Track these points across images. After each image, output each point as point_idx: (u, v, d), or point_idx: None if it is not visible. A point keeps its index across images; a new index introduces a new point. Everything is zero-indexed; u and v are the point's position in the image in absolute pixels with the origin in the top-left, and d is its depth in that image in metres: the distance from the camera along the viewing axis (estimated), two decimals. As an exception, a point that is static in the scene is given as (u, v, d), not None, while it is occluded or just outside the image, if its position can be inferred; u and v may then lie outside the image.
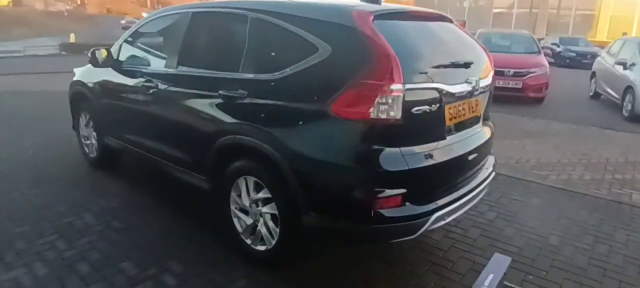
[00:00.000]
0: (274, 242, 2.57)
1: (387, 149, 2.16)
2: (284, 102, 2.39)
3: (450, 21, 2.94)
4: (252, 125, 2.52)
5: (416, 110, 2.20)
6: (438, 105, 2.32)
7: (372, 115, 2.10)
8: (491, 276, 2.72)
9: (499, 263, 2.89)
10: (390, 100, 2.09)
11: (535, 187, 4.32)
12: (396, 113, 2.11)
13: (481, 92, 2.70)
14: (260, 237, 2.65)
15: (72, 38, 23.73)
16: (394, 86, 2.08)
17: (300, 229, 2.41)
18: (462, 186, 2.59)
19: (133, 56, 3.75)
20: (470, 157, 2.63)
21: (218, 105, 2.74)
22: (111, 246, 2.91)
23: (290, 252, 2.59)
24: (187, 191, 3.20)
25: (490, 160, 3.02)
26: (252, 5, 2.69)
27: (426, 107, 2.25)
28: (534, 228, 3.38)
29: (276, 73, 2.43)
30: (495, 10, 37.35)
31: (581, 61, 18.14)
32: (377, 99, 2.08)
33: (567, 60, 19.22)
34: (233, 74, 2.67)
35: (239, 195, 2.73)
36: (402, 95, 2.10)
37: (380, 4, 2.61)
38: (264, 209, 2.58)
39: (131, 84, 3.57)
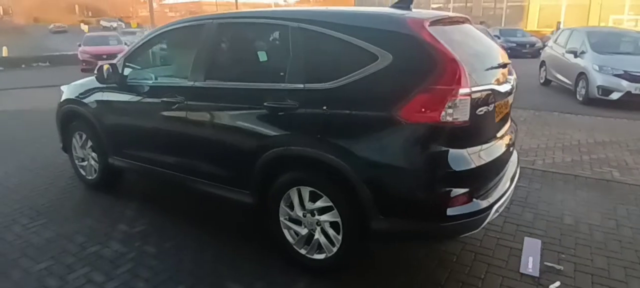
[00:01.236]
0: (335, 249, 2.59)
1: (455, 150, 2.27)
2: (344, 111, 2.42)
3: (470, 22, 3.11)
4: (308, 135, 2.52)
5: (478, 112, 2.32)
6: (493, 105, 2.46)
7: (443, 119, 2.19)
8: (531, 258, 2.93)
9: (532, 246, 3.12)
10: (459, 104, 2.19)
11: (530, 172, 4.64)
12: (464, 115, 2.22)
13: (513, 89, 2.88)
14: (317, 246, 2.66)
15: (4, 51, 21.76)
16: (462, 90, 2.19)
17: (365, 234, 2.46)
18: (505, 178, 2.75)
19: (145, 71, 3.58)
20: (509, 151, 2.81)
21: (263, 118, 2.71)
22: (156, 273, 2.78)
23: (353, 257, 2.62)
24: (210, 206, 3.12)
25: (515, 153, 3.24)
26: (294, 15, 2.69)
27: (485, 108, 2.38)
28: (548, 211, 3.65)
29: (331, 82, 2.45)
30: (433, 6, 39.17)
31: (521, 51, 19.46)
32: (447, 103, 2.18)
33: (508, 51, 20.41)
34: (279, 85, 2.65)
35: (288, 206, 2.72)
36: (469, 98, 2.21)
37: (410, 10, 2.71)
38: (323, 217, 2.59)
39: (145, 99, 3.42)
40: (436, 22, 2.47)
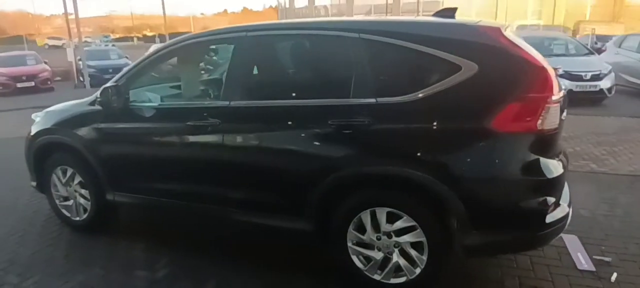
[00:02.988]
0: (418, 271, 2.46)
1: (544, 158, 2.26)
2: (427, 124, 2.31)
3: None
4: (387, 152, 2.37)
5: (562, 118, 2.34)
6: (564, 110, 2.51)
7: (539, 127, 2.17)
8: (580, 254, 3.03)
9: (572, 242, 3.24)
10: (552, 111, 2.19)
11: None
12: (554, 123, 2.22)
13: None
14: (396, 269, 2.51)
15: None
16: (554, 97, 2.19)
17: (455, 251, 2.36)
18: None
19: (155, 91, 3.15)
20: None
21: (325, 137, 2.51)
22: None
23: (439, 276, 2.50)
24: (237, 236, 2.81)
25: None
26: (357, 26, 2.52)
27: (563, 114, 2.41)
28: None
29: (409, 95, 2.33)
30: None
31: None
32: (542, 111, 2.16)
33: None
34: (344, 101, 2.47)
35: (358, 230, 2.54)
36: (559, 105, 2.22)
37: (454, 18, 2.70)
38: (404, 238, 2.44)
39: (161, 125, 3.02)
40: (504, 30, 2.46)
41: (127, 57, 16.75)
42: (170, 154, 3.03)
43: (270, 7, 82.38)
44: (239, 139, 2.77)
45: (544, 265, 2.92)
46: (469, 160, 2.26)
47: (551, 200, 2.26)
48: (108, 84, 3.03)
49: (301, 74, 2.83)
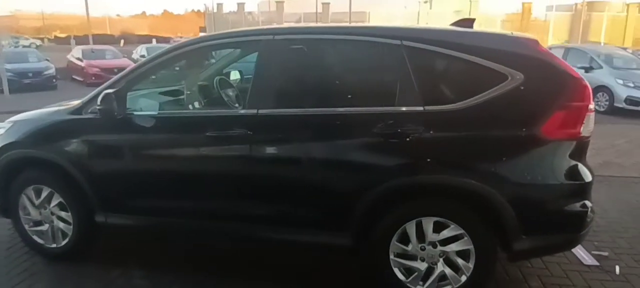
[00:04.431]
0: (464, 279, 2.46)
1: (581, 163, 2.40)
2: (476, 132, 2.33)
3: None
4: (437, 161, 2.36)
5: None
6: None
7: (582, 133, 2.30)
8: (580, 251, 3.26)
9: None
10: (590, 118, 2.33)
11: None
12: (590, 129, 2.36)
13: None
14: (441, 279, 2.49)
15: None
16: (591, 105, 2.33)
17: (496, 257, 2.41)
18: None
19: (160, 99, 2.83)
20: None
21: (369, 147, 2.44)
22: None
23: (484, 283, 2.52)
24: (239, 256, 2.64)
25: None
26: (402, 33, 2.47)
27: None
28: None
29: (457, 103, 2.34)
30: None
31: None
32: (584, 118, 2.29)
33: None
34: (389, 109, 2.41)
35: (401, 241, 2.49)
36: (594, 113, 2.37)
37: (472, 28, 2.79)
38: (451, 247, 2.43)
39: (171, 135, 2.74)
40: None
41: (48, 60, 15.10)
42: (183, 168, 2.74)
43: (193, 10, 79.44)
44: (269, 150, 2.58)
45: (555, 263, 3.09)
46: (518, 166, 2.32)
47: (588, 202, 2.40)
48: (109, 91, 2.65)
49: (341, 81, 2.71)
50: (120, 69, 14.98)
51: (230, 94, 3.41)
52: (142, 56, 17.32)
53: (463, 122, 2.34)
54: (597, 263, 3.07)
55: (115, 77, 2.85)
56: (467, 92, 2.35)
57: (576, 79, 2.34)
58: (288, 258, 3.12)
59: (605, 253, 3.21)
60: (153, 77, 3.03)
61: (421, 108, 2.37)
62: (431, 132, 2.35)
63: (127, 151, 2.81)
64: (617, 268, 3.00)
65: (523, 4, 51.06)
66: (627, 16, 36.16)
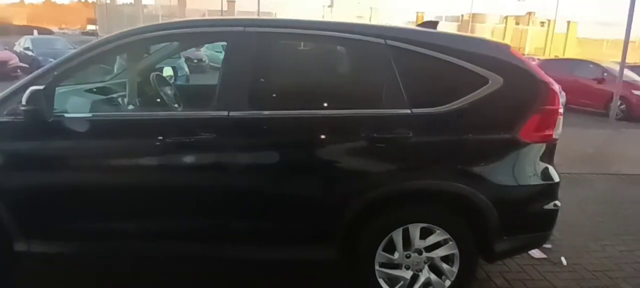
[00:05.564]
0: (448, 284, 2.43)
1: (551, 164, 2.51)
2: (464, 135, 2.32)
3: None
4: (426, 165, 2.30)
5: None
6: None
7: (554, 136, 2.40)
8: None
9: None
10: (560, 121, 2.45)
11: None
12: (559, 132, 2.48)
13: None
14: (425, 285, 2.43)
15: None
16: (561, 109, 2.45)
17: (479, 259, 2.42)
18: None
19: (98, 97, 2.35)
20: None
21: (355, 152, 2.29)
22: None
23: (466, 286, 2.50)
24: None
25: None
26: (386, 32, 2.35)
27: None
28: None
29: (443, 106, 2.30)
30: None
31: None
32: (557, 121, 2.40)
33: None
34: (375, 112, 2.29)
35: (387, 250, 2.38)
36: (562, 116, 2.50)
37: (436, 29, 2.83)
38: (436, 253, 2.38)
39: (113, 142, 2.30)
40: None
41: None
42: (133, 180, 2.31)
43: (80, 0, 71.80)
44: (245, 159, 2.28)
45: (511, 259, 3.24)
46: (501, 169, 2.34)
47: (558, 201, 2.53)
48: (37, 87, 2.10)
49: (324, 81, 2.49)
50: (2, 62, 13.00)
51: (169, 92, 3.00)
52: (27, 49, 15.07)
53: (450, 125, 2.31)
54: (545, 256, 3.29)
55: (38, 71, 2.29)
56: (452, 94, 2.31)
57: (547, 84, 2.43)
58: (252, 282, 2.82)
59: (549, 245, 3.46)
60: (81, 73, 2.52)
61: (408, 111, 2.28)
62: (419, 135, 2.27)
63: (60, 161, 2.29)
64: (564, 260, 3.24)
65: (417, 13, 55.26)
66: (505, 27, 41.04)
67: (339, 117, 2.30)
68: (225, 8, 41.36)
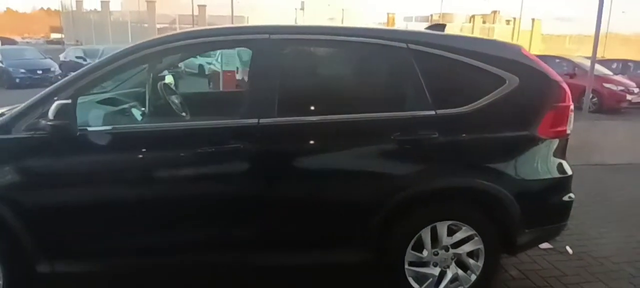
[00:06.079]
0: (474, 278, 2.51)
1: (564, 158, 2.63)
2: (487, 133, 2.40)
3: None
4: (453, 164, 2.38)
5: None
6: None
7: (568, 131, 2.53)
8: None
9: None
10: (572, 117, 2.57)
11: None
12: (570, 128, 2.61)
13: None
14: (452, 280, 2.50)
15: None
16: (572, 106, 2.58)
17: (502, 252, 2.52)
18: None
19: (122, 109, 2.31)
20: None
21: (389, 154, 2.35)
22: None
23: (491, 279, 2.59)
24: None
25: None
26: (407, 36, 2.41)
27: None
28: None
29: (466, 106, 2.38)
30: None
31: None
32: (569, 117, 2.52)
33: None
34: (401, 114, 2.35)
35: (416, 249, 2.44)
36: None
37: (444, 31, 2.93)
38: (462, 249, 2.46)
39: (144, 155, 2.26)
40: None
41: None
42: (162, 193, 2.27)
43: (43, 9, 69.25)
44: (277, 165, 2.29)
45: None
46: (522, 165, 2.45)
47: (572, 193, 2.65)
48: (61, 101, 2.05)
49: (351, 86, 2.53)
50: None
51: (176, 101, 2.99)
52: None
53: (469, 125, 2.39)
54: (551, 246, 3.43)
55: (59, 83, 2.24)
56: (474, 94, 2.40)
57: (558, 82, 2.56)
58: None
59: (552, 236, 3.61)
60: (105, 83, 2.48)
61: (433, 112, 2.35)
62: (445, 135, 2.35)
63: (88, 177, 2.23)
64: (569, 249, 3.39)
65: (388, 14, 56.06)
66: (472, 26, 42.27)
67: (366, 121, 2.34)
68: (196, 13, 40.76)
